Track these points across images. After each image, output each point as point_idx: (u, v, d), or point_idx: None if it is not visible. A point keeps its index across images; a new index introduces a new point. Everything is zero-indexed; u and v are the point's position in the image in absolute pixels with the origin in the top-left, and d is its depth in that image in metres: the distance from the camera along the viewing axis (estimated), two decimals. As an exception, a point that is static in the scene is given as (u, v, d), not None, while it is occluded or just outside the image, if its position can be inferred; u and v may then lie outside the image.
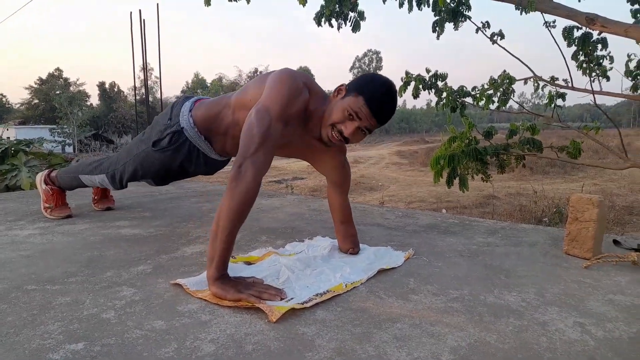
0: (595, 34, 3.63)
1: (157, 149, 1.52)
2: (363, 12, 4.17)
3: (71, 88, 38.35)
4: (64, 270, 1.27)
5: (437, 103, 4.31)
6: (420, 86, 4.23)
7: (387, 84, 1.22)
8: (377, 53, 62.37)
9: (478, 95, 4.11)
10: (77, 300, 1.05)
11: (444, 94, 4.21)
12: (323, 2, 3.68)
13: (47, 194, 1.96)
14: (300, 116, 1.23)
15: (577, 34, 3.71)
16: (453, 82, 4.21)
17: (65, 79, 40.57)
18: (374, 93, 1.19)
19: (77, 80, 53.28)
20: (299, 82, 1.20)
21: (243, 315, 0.98)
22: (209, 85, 49.59)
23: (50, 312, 0.99)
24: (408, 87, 4.25)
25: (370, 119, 1.20)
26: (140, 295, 1.09)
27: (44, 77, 40.60)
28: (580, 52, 3.76)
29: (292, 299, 1.04)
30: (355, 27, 4.21)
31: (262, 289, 1.05)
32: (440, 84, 4.26)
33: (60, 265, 1.32)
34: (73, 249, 1.49)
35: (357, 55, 64.11)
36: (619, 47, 4.01)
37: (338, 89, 1.25)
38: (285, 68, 1.25)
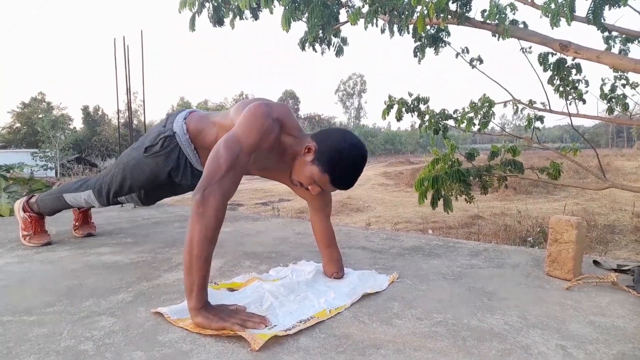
0: (569, 60, 3.76)
1: (149, 154, 1.55)
2: (346, 38, 4.27)
3: (54, 112, 37.91)
4: (41, 300, 1.24)
5: (420, 125, 4.38)
6: (403, 109, 4.31)
7: (355, 162, 1.23)
8: (362, 76, 63.53)
9: (459, 118, 4.19)
10: (54, 332, 1.03)
11: (427, 117, 4.29)
12: (307, 28, 3.75)
13: (25, 222, 1.92)
14: (273, 149, 1.26)
15: (552, 59, 3.84)
16: (436, 104, 4.31)
17: (48, 103, 40.20)
18: (340, 174, 1.22)
19: (60, 103, 52.92)
20: (270, 119, 1.20)
21: (225, 344, 0.96)
22: (194, 108, 49.75)
23: (26, 344, 0.96)
24: (391, 110, 4.31)
25: (334, 189, 1.27)
26: (120, 325, 1.07)
27: (26, 100, 40.22)
28: (556, 77, 3.89)
29: (275, 326, 1.03)
30: (339, 52, 4.29)
31: (245, 317, 1.04)
32: (422, 107, 4.34)
33: (38, 294, 1.28)
34: (52, 278, 1.45)
35: (342, 79, 65.18)
36: (595, 72, 4.16)
37: (307, 148, 1.24)
38: (261, 103, 1.24)
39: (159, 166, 1.56)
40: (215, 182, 1.08)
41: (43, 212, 1.93)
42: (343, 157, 1.21)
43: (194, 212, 1.05)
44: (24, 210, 1.92)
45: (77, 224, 2.14)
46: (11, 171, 3.77)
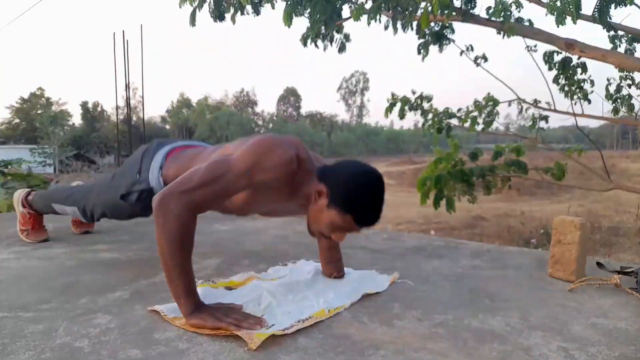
0: (575, 59, 3.73)
1: (126, 201, 1.45)
2: (349, 34, 4.24)
3: (53, 107, 37.96)
4: (37, 296, 1.23)
5: (423, 124, 4.36)
6: (406, 107, 4.29)
7: (374, 192, 1.10)
8: (364, 74, 63.34)
9: (463, 117, 4.17)
10: (50, 329, 1.02)
11: (430, 116, 4.26)
12: (309, 24, 3.73)
13: (24, 217, 1.91)
14: (285, 188, 1.14)
15: (557, 58, 3.81)
16: (440, 102, 4.27)
17: (48, 98, 40.26)
18: (363, 211, 1.09)
19: (60, 99, 53.02)
20: (288, 152, 1.09)
21: (222, 343, 0.95)
22: (194, 105, 49.64)
23: (21, 341, 0.95)
24: (394, 108, 4.29)
25: (360, 229, 1.14)
26: (116, 322, 1.06)
27: (25, 96, 40.32)
28: (561, 76, 3.86)
29: (273, 325, 1.02)
30: (341, 49, 4.27)
31: (241, 317, 1.02)
32: (426, 105, 4.32)
33: (34, 291, 1.28)
34: (48, 274, 1.44)
35: (345, 76, 65.03)
36: (601, 71, 4.12)
37: (318, 191, 1.11)
38: (270, 135, 1.16)
39: (137, 212, 1.49)
40: (179, 191, 1.02)
41: (38, 211, 1.91)
42: (360, 189, 1.08)
43: (155, 222, 1.01)
44: (23, 206, 1.91)
45: (76, 220, 2.12)
46: (9, 167, 3.77)
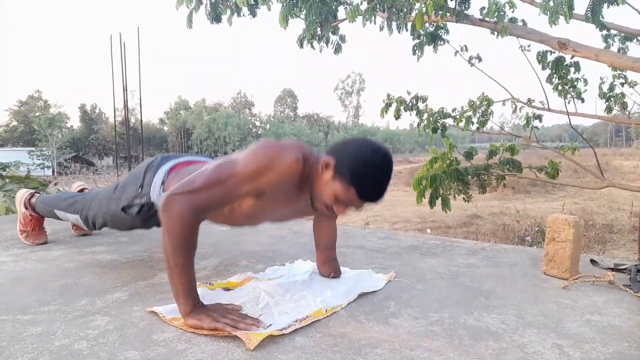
0: (568, 58, 3.76)
1: (127, 213, 1.45)
2: (344, 35, 4.26)
3: (51, 110, 37.80)
4: (36, 298, 1.23)
5: (418, 124, 4.38)
6: (402, 108, 4.30)
7: (380, 169, 1.10)
8: (360, 75, 63.45)
9: (458, 117, 4.19)
10: (48, 331, 1.02)
11: (425, 116, 4.28)
12: (305, 26, 3.74)
13: (25, 218, 1.90)
14: (294, 189, 1.15)
15: (550, 57, 3.84)
16: (435, 102, 4.30)
17: (45, 101, 40.08)
18: (367, 185, 1.09)
19: (57, 102, 52.73)
20: (295, 155, 1.08)
21: (220, 344, 0.96)
22: (192, 106, 49.52)
23: (20, 344, 0.95)
24: (389, 108, 4.31)
25: (362, 204, 1.14)
26: (115, 324, 1.06)
27: (23, 99, 40.14)
28: (554, 75, 3.89)
29: (270, 325, 1.03)
30: (337, 50, 4.28)
31: (238, 318, 1.03)
32: (421, 105, 4.34)
33: (32, 293, 1.28)
34: (47, 277, 1.44)
35: (341, 77, 65.13)
36: (594, 70, 4.16)
37: (325, 164, 1.12)
38: (272, 140, 1.16)
39: (138, 224, 1.49)
40: (182, 192, 1.03)
41: (41, 215, 1.91)
42: (367, 164, 1.08)
43: (161, 222, 1.03)
44: (26, 207, 1.90)
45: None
46: (7, 169, 3.76)
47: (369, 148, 1.11)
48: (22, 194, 1.93)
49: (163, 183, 1.40)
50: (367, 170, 1.08)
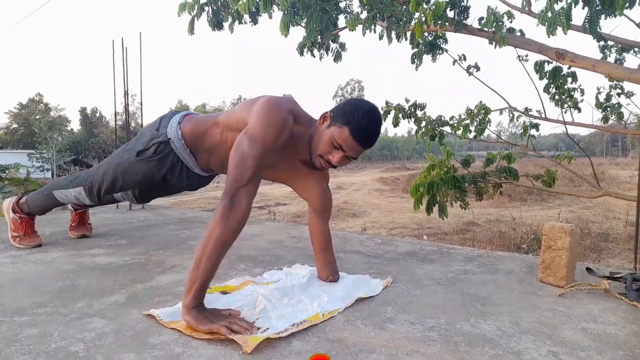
0: (565, 68, 3.79)
1: (141, 158, 1.51)
2: (344, 43, 4.28)
3: (52, 113, 37.78)
4: (33, 300, 1.23)
5: (416, 132, 4.40)
6: (400, 115, 4.32)
7: (371, 111, 1.22)
8: (359, 82, 63.63)
9: (456, 125, 4.21)
10: (45, 333, 1.02)
11: (423, 123, 4.30)
12: (305, 33, 3.76)
13: (15, 223, 1.89)
14: (287, 142, 1.23)
15: (548, 67, 3.87)
16: (433, 110, 4.32)
17: (46, 104, 40.09)
18: (358, 123, 1.19)
19: (58, 105, 52.66)
20: (284, 111, 1.19)
21: (217, 347, 0.96)
22: (192, 111, 49.73)
23: (16, 345, 0.95)
24: (388, 116, 4.33)
25: (356, 148, 1.22)
26: (112, 326, 1.06)
27: (24, 101, 40.13)
28: (552, 85, 3.92)
29: (267, 329, 1.03)
30: (337, 58, 4.30)
31: (233, 320, 1.03)
32: (419, 113, 4.36)
33: (29, 295, 1.28)
34: (44, 279, 1.44)
35: (340, 84, 65.29)
36: (591, 81, 4.19)
37: (323, 117, 1.26)
38: (270, 97, 1.23)
39: (152, 170, 1.53)
40: (243, 186, 1.09)
41: (34, 212, 1.90)
42: (358, 107, 1.21)
43: (219, 215, 1.05)
44: (14, 212, 1.90)
45: (73, 224, 2.12)
46: (7, 172, 3.75)
47: (360, 99, 1.27)
48: (8, 201, 1.94)
49: (179, 123, 1.49)
50: (358, 110, 1.20)
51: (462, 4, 3.45)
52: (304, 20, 3.60)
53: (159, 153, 1.49)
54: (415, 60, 4.09)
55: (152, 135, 1.51)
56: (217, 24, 3.91)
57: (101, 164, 1.69)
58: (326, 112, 1.26)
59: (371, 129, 1.21)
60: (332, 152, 1.24)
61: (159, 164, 1.52)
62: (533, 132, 4.19)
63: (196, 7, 3.79)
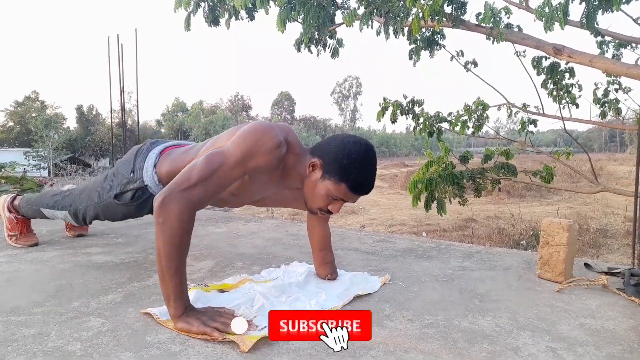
0: (563, 64, 3.79)
1: (120, 202, 1.45)
2: (341, 39, 4.27)
3: (48, 111, 37.64)
4: (29, 300, 1.22)
5: (414, 128, 4.40)
6: (398, 111, 4.32)
7: (367, 160, 1.14)
8: (357, 78, 63.65)
9: (453, 121, 4.21)
10: (41, 332, 1.01)
11: (421, 120, 4.30)
12: (302, 29, 3.75)
13: (11, 222, 1.88)
14: (277, 171, 1.18)
15: (545, 63, 3.87)
16: (431, 106, 4.32)
17: (42, 102, 39.93)
18: (356, 180, 1.12)
19: (54, 103, 52.52)
20: (278, 136, 1.11)
21: (215, 346, 0.96)
22: (189, 108, 49.49)
23: (12, 345, 0.95)
24: (386, 112, 4.33)
25: (357, 197, 1.18)
26: (109, 325, 1.06)
27: (20, 99, 39.95)
28: (549, 81, 3.92)
29: (265, 327, 1.02)
30: (335, 54, 4.30)
31: (228, 321, 1.01)
32: (417, 109, 4.36)
33: (26, 294, 1.27)
34: (41, 278, 1.44)
35: (338, 81, 65.28)
36: (589, 76, 4.20)
37: (312, 164, 1.16)
38: (261, 121, 1.16)
39: (132, 211, 1.48)
40: (179, 190, 1.02)
41: (27, 217, 1.90)
42: (353, 158, 1.11)
43: (155, 222, 1.02)
44: (9, 211, 1.88)
45: (69, 223, 2.11)
46: (3, 170, 3.74)
47: (350, 141, 1.15)
48: (3, 199, 1.91)
49: (155, 165, 1.41)
50: (353, 163, 1.11)
51: (460, -1, 3.45)
52: (301, 16, 3.59)
53: (137, 199, 1.43)
54: (413, 56, 4.08)
55: (128, 179, 1.43)
56: (213, 20, 3.90)
57: (83, 192, 1.61)
58: (314, 160, 1.15)
59: (370, 179, 1.15)
60: (332, 203, 1.18)
61: (139, 208, 1.46)
62: (531, 128, 4.19)
63: (192, 3, 3.78)
